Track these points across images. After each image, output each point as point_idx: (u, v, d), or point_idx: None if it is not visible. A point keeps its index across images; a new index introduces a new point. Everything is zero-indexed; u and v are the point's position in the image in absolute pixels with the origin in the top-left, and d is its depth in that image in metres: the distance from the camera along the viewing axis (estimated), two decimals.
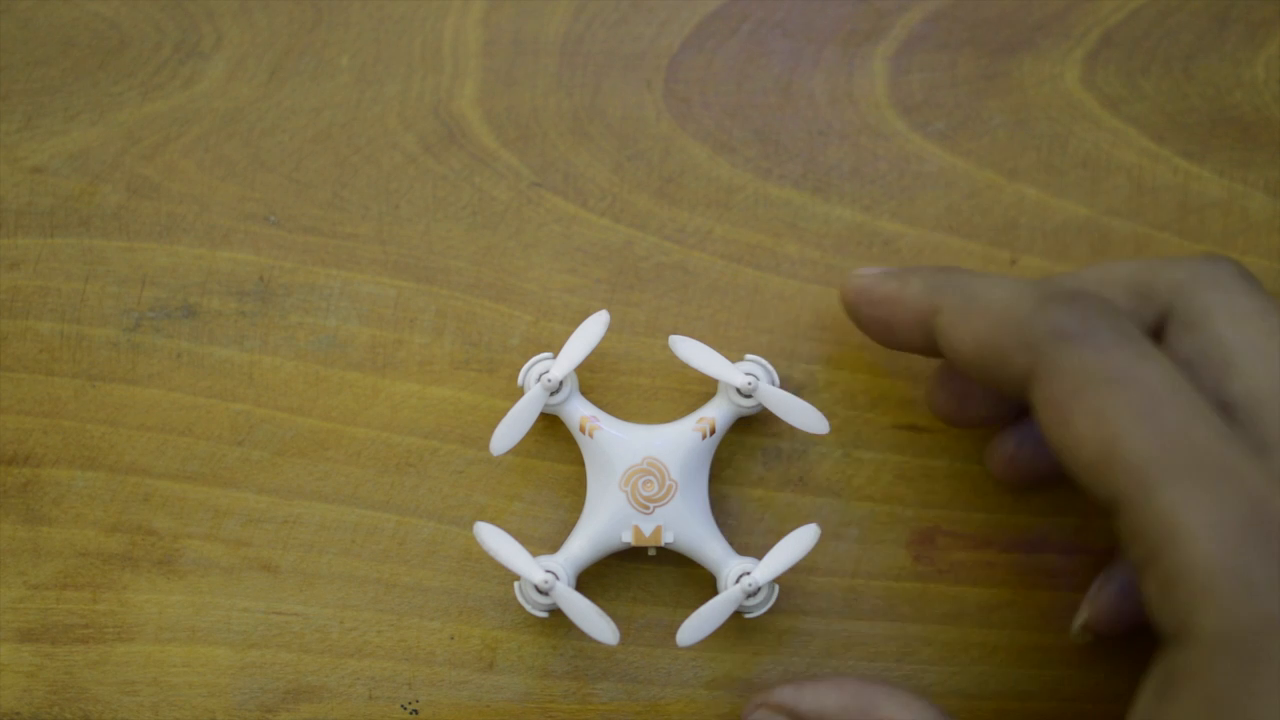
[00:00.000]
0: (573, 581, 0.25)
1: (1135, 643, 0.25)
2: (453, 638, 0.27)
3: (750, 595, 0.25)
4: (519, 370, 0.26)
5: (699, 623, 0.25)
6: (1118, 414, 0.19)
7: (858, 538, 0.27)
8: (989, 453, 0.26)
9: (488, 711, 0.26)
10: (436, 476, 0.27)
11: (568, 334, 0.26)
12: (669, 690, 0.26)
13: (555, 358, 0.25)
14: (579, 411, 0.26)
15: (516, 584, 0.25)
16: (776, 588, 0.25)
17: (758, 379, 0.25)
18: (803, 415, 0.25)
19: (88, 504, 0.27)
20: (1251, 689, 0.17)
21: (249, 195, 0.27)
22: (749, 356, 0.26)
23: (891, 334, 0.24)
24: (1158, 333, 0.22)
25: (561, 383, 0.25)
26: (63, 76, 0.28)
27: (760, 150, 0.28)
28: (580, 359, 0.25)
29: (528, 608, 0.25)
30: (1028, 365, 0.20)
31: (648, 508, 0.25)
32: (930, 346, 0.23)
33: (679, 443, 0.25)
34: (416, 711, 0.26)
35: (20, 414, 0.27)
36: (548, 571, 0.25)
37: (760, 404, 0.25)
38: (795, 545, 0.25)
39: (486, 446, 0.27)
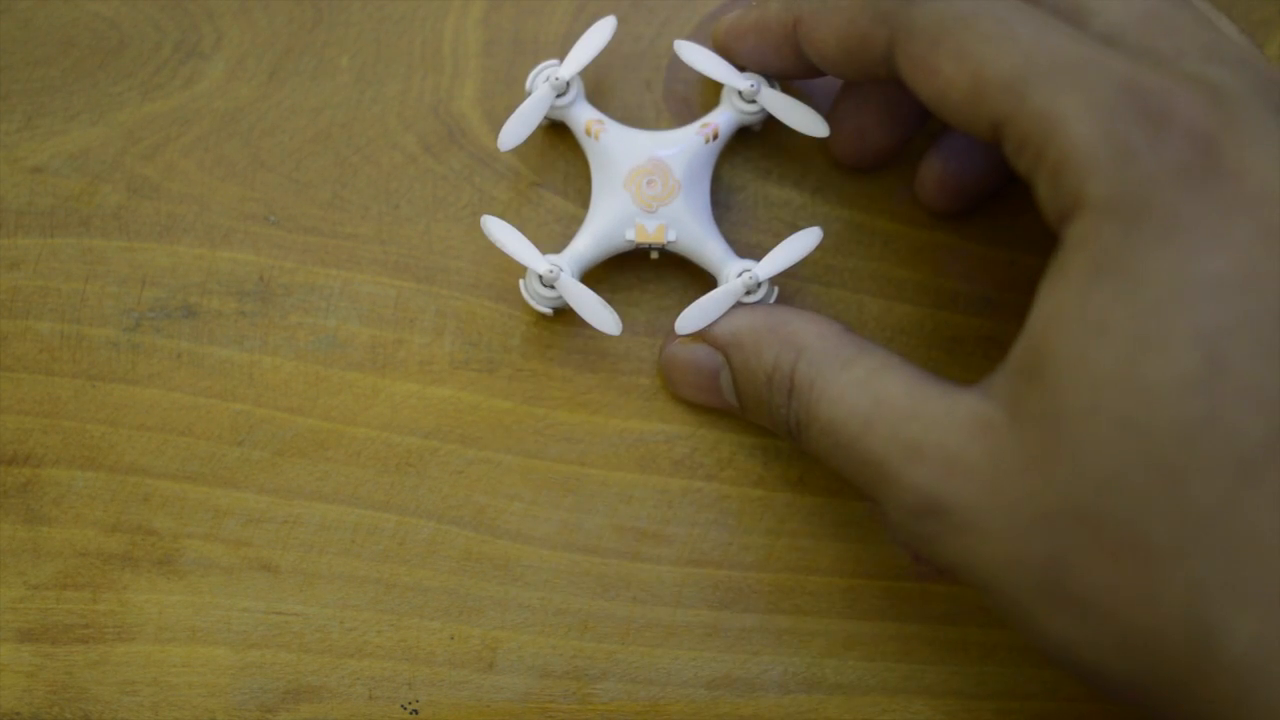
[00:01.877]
0: (578, 278, 0.25)
1: None
2: (453, 638, 0.27)
3: (750, 291, 0.25)
4: (519, 371, 0.26)
5: (699, 311, 0.25)
6: (976, 45, 0.20)
7: (858, 538, 0.27)
8: (919, 184, 0.27)
9: (488, 711, 0.26)
10: (436, 476, 0.27)
11: (567, 334, 0.26)
12: (669, 690, 0.26)
13: (562, 63, 0.26)
14: (585, 115, 0.26)
15: (521, 281, 0.26)
16: (776, 289, 0.26)
17: (761, 84, 0.26)
18: (803, 117, 0.26)
19: (88, 504, 0.27)
20: (1133, 245, 0.18)
21: (249, 195, 0.27)
22: (750, 72, 0.26)
23: (766, 60, 0.25)
24: None
25: (569, 85, 0.26)
26: (63, 76, 0.28)
27: (760, 150, 0.28)
28: (587, 60, 0.26)
29: (532, 304, 0.26)
30: (887, 38, 0.22)
31: (651, 206, 0.25)
32: (802, 65, 0.25)
33: (683, 146, 0.26)
34: (416, 711, 0.26)
35: (20, 414, 0.27)
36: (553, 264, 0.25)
37: (763, 111, 0.26)
38: (797, 244, 0.25)
39: (487, 446, 0.27)
